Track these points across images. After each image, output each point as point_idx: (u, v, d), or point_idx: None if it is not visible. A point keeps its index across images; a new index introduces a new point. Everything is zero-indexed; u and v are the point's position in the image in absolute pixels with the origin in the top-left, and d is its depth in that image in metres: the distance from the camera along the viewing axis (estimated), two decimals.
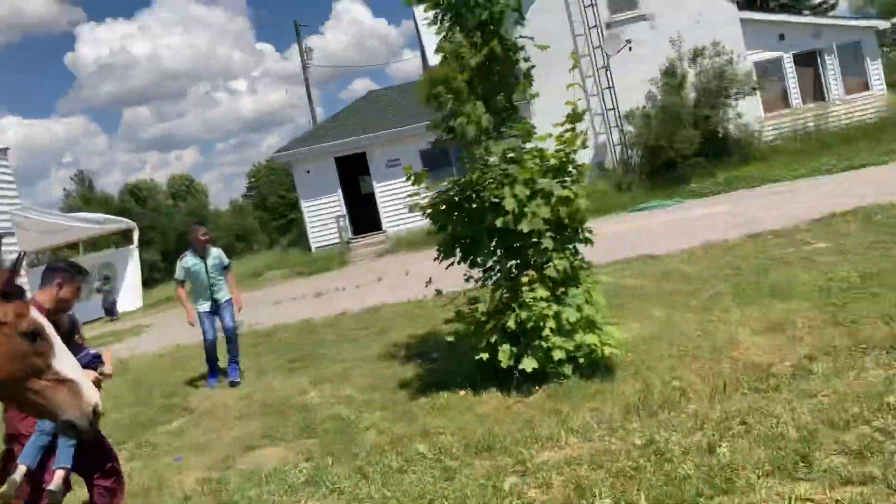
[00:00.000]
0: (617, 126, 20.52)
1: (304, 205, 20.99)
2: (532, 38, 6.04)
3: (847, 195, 12.07)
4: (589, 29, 20.64)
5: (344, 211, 20.99)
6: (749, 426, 4.35)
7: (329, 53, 77.18)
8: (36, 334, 2.50)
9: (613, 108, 20.55)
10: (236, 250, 38.66)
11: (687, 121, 18.64)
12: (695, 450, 4.16)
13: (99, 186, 50.60)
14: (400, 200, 18.80)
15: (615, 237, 13.01)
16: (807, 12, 35.35)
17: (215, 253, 7.68)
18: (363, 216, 21.66)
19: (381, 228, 20.99)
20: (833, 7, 38.06)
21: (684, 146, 18.44)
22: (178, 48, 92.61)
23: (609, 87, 20.62)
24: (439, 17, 6.21)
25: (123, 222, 22.06)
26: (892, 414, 4.17)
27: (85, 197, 45.21)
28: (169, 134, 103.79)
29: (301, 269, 19.25)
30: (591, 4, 20.49)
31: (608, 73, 20.58)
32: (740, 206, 14.20)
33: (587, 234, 5.91)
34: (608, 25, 20.69)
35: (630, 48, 20.22)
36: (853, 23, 21.79)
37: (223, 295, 7.70)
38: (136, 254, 21.37)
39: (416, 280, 12.41)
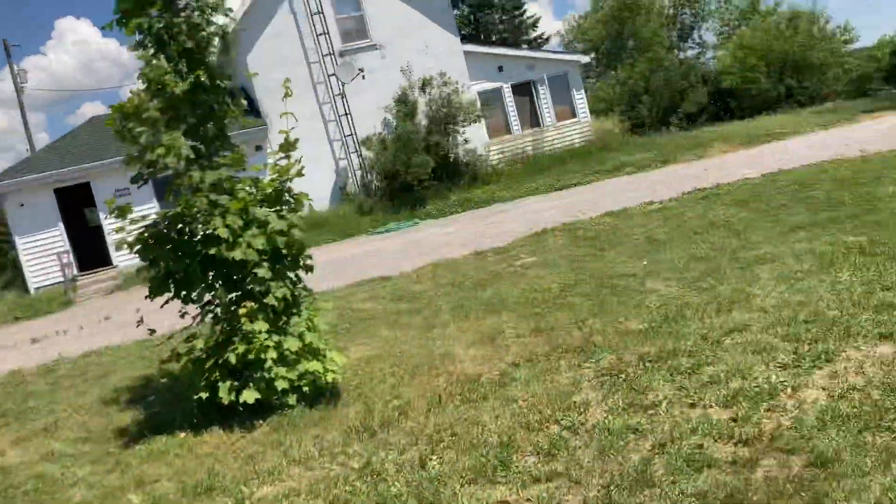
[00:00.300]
0: (356, 151, 20.93)
1: (18, 242, 18.92)
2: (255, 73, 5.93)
3: (558, 212, 13.35)
4: (323, 56, 20.89)
5: (67, 246, 19.22)
6: (458, 437, 4.62)
7: (52, 74, 70.35)
8: None
9: (352, 134, 20.95)
10: None
11: (420, 146, 19.50)
12: (408, 466, 4.33)
13: None
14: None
15: (354, 260, 13.25)
16: (525, 46, 38.71)
17: None
18: (90, 250, 19.97)
19: (111, 263, 19.49)
20: (546, 41, 42.09)
21: (419, 170, 19.27)
22: None
23: (346, 114, 20.99)
24: (143, 43, 5.95)
25: None
26: (577, 412, 4.65)
27: None
28: None
29: (18, 314, 17.28)
30: (324, 33, 20.77)
31: (344, 100, 20.95)
32: (470, 225, 15.13)
33: (308, 262, 5.95)
34: (341, 53, 21.09)
35: (363, 76, 20.77)
36: (561, 56, 24.26)
37: None
38: None
39: (147, 318, 11.66)
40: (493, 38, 38.17)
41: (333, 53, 20.92)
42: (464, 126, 20.46)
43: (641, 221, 10.13)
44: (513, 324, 6.56)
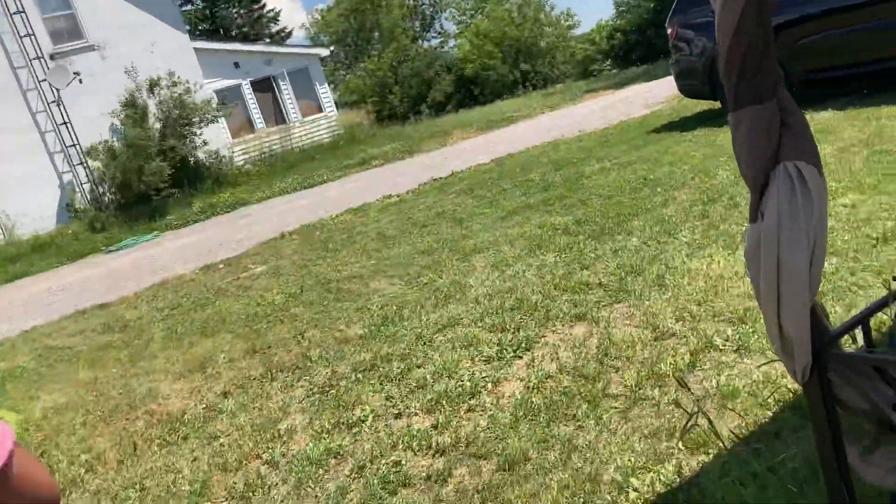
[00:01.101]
0: (82, 163, 19.04)
1: None
2: None
3: (305, 211, 12.94)
4: (31, 60, 18.72)
5: None
6: (147, 490, 4.10)
7: None
8: None
9: (74, 145, 19.02)
10: None
11: (153, 152, 18.15)
12: None
13: None
14: None
15: (75, 286, 11.93)
16: (267, 41, 37.68)
17: None
18: None
19: None
20: (289, 35, 41.32)
21: (154, 178, 17.93)
22: None
23: (66, 123, 19.01)
24: None
25: None
26: (281, 441, 4.30)
27: None
28: None
29: None
30: (29, 34, 18.61)
31: (62, 107, 18.95)
32: (211, 234, 14.26)
33: None
34: (52, 56, 19.04)
35: (80, 80, 18.91)
36: (300, 50, 23.75)
37: None
38: None
39: None
40: (233, 34, 36.76)
41: (43, 57, 18.83)
42: (201, 127, 19.36)
43: (376, 217, 10.00)
44: (228, 346, 6.06)
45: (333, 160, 20.10)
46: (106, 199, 19.05)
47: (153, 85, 18.94)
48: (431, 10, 43.83)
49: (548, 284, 5.61)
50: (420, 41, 40.59)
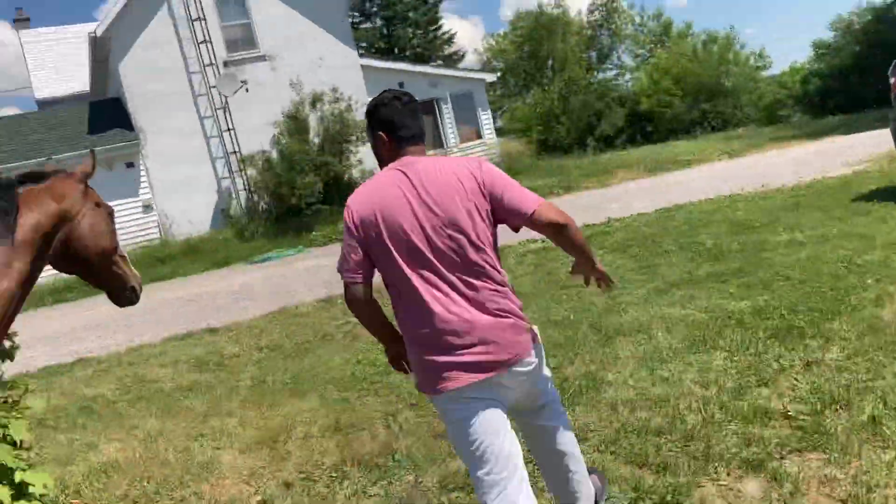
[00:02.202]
0: (241, 171, 19.26)
1: None
2: None
3: None
4: (205, 67, 19.20)
5: None
6: None
7: None
8: (111, 215, 3.07)
9: (236, 152, 19.27)
10: None
11: (308, 166, 17.99)
12: None
13: None
14: None
15: (207, 298, 11.64)
16: (440, 62, 37.67)
17: None
18: None
19: None
20: (462, 58, 41.18)
21: (306, 192, 17.75)
22: None
23: (230, 130, 19.31)
24: None
25: None
26: None
27: None
28: None
29: None
30: (206, 41, 19.08)
31: (228, 114, 19.28)
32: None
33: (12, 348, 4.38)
34: (226, 63, 19.44)
35: (246, 89, 19.15)
36: (466, 74, 23.11)
37: None
38: None
39: None
40: (407, 54, 37.00)
41: (217, 64, 19.25)
42: (357, 145, 19.05)
43: (512, 265, 8.86)
44: (310, 416, 5.12)
45: None
46: (259, 208, 19.13)
47: (316, 100, 18.86)
48: (610, 41, 42.33)
49: (712, 401, 4.23)
50: (595, 72, 39.19)
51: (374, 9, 39.83)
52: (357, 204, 2.69)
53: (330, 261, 13.60)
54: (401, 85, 21.42)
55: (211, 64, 19.14)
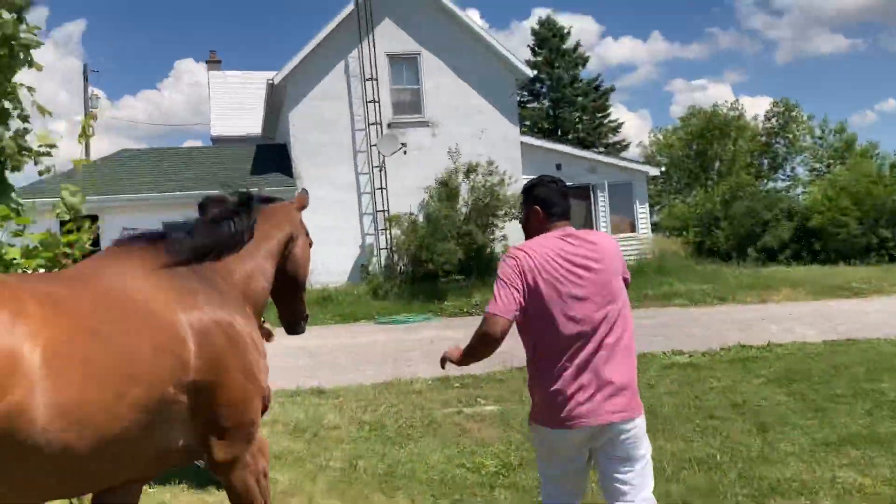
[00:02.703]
0: (385, 229, 19.30)
1: None
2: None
3: None
4: (369, 125, 19.58)
5: None
6: None
7: (163, 109, 72.54)
8: (311, 246, 3.60)
9: (384, 210, 19.38)
10: None
11: (450, 234, 17.72)
12: None
13: None
14: None
15: (327, 353, 11.34)
16: (601, 149, 37.10)
17: None
18: None
19: None
20: (625, 148, 40.39)
21: (443, 259, 17.43)
22: None
23: (382, 188, 19.48)
24: None
25: None
26: None
27: None
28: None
29: None
30: (374, 101, 19.50)
31: (383, 173, 19.49)
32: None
33: None
34: (389, 125, 19.75)
35: (405, 151, 19.30)
36: (628, 164, 22.31)
37: None
38: None
39: None
40: (569, 137, 36.70)
41: (381, 123, 19.59)
42: (505, 220, 18.64)
43: (652, 379, 7.90)
44: None
45: (632, 287, 18.14)
46: (398, 269, 19.02)
47: (470, 170, 18.69)
48: (785, 150, 40.28)
49: None
50: (764, 180, 37.26)
51: (544, 90, 40.04)
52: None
53: (455, 333, 13.06)
54: (559, 167, 21.00)
55: (375, 123, 19.49)
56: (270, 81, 19.61)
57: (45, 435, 2.11)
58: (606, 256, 3.10)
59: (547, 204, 3.18)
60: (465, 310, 16.76)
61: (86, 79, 34.11)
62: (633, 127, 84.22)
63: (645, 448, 3.08)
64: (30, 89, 4.05)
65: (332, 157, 19.40)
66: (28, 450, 2.10)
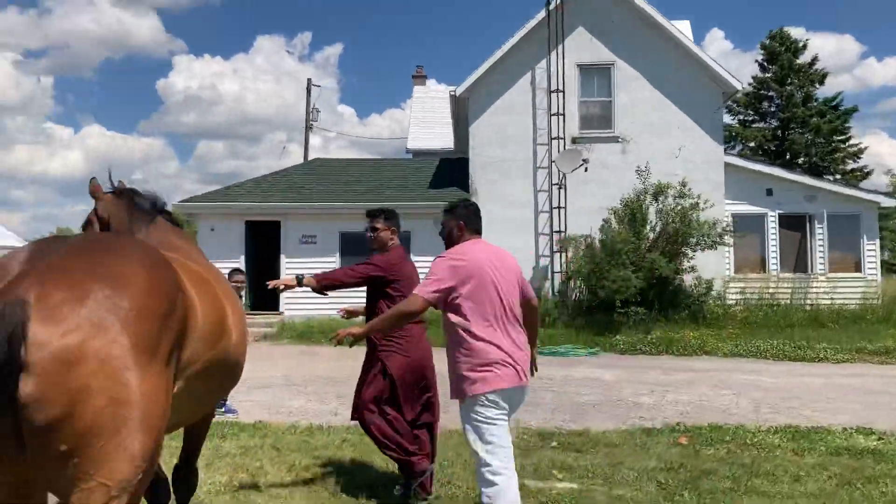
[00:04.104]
0: (561, 251, 17.94)
1: None
2: None
3: (763, 396, 9.30)
4: (551, 140, 18.37)
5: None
6: None
7: (404, 126, 76.78)
8: None
9: (560, 231, 18.04)
10: None
11: (629, 260, 15.97)
12: None
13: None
14: None
15: None
16: (838, 176, 32.77)
17: None
18: (266, 291, 19.25)
19: (278, 309, 18.55)
20: (866, 177, 35.37)
21: (617, 287, 15.71)
22: (264, 95, 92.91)
23: (560, 207, 18.17)
24: None
25: None
26: None
27: None
28: (237, 173, 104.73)
29: None
30: (559, 113, 18.27)
31: (563, 191, 18.17)
32: (634, 373, 11.36)
33: None
34: (574, 140, 18.40)
35: (586, 168, 17.84)
36: (855, 193, 19.03)
37: None
38: None
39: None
40: (799, 161, 32.78)
41: (564, 138, 18.32)
42: (696, 249, 16.54)
43: (806, 467, 5.97)
44: None
45: (847, 335, 15.24)
46: (573, 295, 17.57)
47: (660, 191, 16.81)
48: None
49: None
50: None
51: (773, 108, 36.29)
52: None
53: (610, 374, 11.47)
54: (769, 192, 18.45)
55: (558, 138, 18.25)
56: (453, 93, 19.08)
57: (236, 349, 3.25)
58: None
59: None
60: (638, 347, 14.97)
61: (308, 93, 36.13)
62: (891, 156, 74.87)
63: None
64: None
65: (511, 173, 18.44)
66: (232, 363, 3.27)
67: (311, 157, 29.86)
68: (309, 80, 36.18)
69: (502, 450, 3.74)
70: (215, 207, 18.70)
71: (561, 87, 18.22)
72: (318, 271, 5.40)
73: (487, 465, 3.71)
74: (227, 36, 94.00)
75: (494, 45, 18.79)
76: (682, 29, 18.79)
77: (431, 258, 15.44)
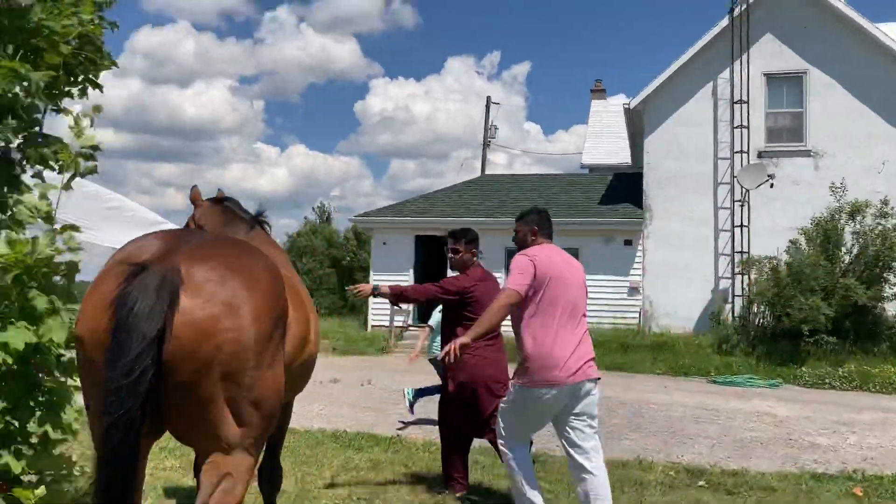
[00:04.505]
0: (743, 273, 16.71)
1: (372, 278, 19.30)
2: None
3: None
4: (734, 153, 17.22)
5: None
6: None
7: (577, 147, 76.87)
8: None
9: (743, 252, 16.81)
10: None
11: (818, 286, 14.54)
12: None
13: (338, 221, 49.28)
14: None
15: (626, 415, 9.81)
16: None
17: None
18: (432, 304, 19.53)
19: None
20: None
21: (803, 315, 14.33)
22: (454, 114, 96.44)
23: (742, 226, 16.95)
24: None
25: None
26: None
27: (313, 227, 44.48)
28: (425, 189, 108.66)
29: (338, 346, 17.45)
30: (743, 126, 17.10)
31: (745, 208, 16.95)
32: (814, 409, 10.26)
33: None
34: (759, 154, 17.13)
35: (771, 184, 16.50)
36: None
37: None
38: None
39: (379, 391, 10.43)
40: None
41: (748, 152, 17.12)
42: None
43: None
44: None
45: None
46: (756, 321, 16.28)
47: (857, 210, 15.20)
48: None
49: None
50: None
51: None
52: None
53: (793, 410, 10.40)
54: None
55: (741, 151, 17.07)
56: (626, 106, 18.44)
57: (312, 355, 3.43)
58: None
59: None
60: (826, 381, 13.60)
61: (487, 110, 36.52)
62: None
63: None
64: (81, 91, 3.56)
65: (689, 189, 17.47)
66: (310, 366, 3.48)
67: (489, 172, 30.10)
68: (488, 97, 36.65)
69: (519, 433, 4.30)
70: (387, 222, 19.27)
71: (745, 98, 17.06)
72: None
73: (503, 436, 4.33)
74: (420, 58, 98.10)
75: (672, 58, 17.93)
76: (888, 32, 16.95)
77: (600, 276, 15.01)
